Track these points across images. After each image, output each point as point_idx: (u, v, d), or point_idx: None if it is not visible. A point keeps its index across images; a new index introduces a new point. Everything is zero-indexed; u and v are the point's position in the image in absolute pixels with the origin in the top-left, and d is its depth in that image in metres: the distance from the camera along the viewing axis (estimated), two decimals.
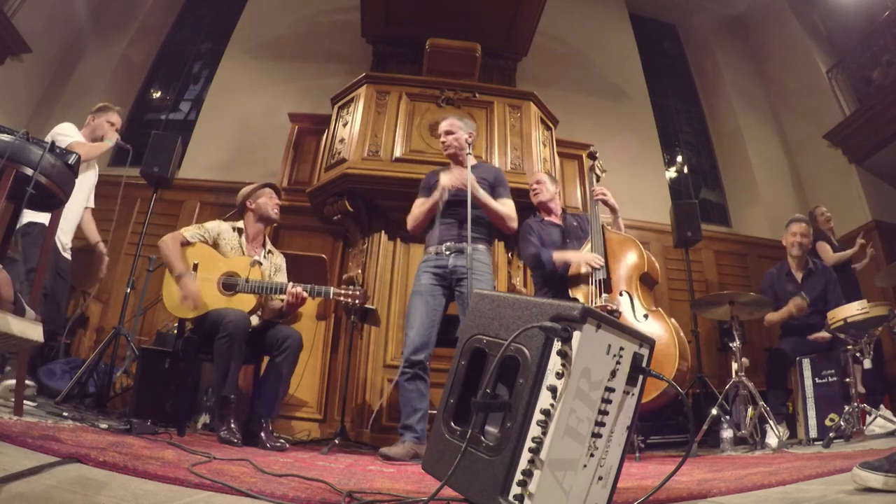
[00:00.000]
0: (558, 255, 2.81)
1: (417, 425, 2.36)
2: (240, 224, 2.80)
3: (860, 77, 5.52)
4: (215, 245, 2.67)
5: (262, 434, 2.39)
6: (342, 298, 2.57)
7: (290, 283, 2.53)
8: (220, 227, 2.72)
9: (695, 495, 1.17)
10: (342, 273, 4.01)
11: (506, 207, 2.60)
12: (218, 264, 2.59)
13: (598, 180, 3.12)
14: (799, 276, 3.55)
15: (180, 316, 2.55)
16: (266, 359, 2.64)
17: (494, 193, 2.64)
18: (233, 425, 2.33)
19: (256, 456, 1.77)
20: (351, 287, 2.65)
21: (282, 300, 2.59)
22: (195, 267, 2.54)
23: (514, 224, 2.63)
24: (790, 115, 6.21)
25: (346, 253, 4.16)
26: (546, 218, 3.11)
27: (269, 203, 2.79)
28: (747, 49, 6.73)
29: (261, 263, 2.66)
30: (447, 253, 2.53)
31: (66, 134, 2.88)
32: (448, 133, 2.68)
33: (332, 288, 2.59)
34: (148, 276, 3.84)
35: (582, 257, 2.77)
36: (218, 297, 2.51)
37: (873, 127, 5.15)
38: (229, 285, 2.54)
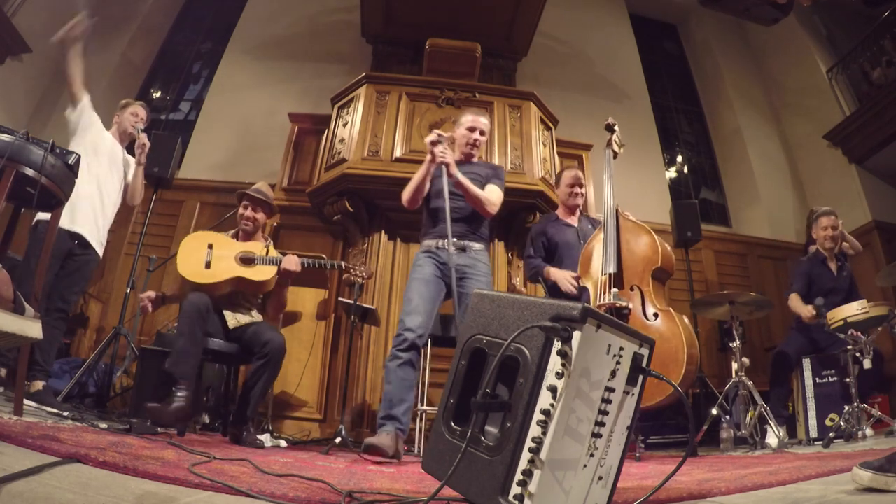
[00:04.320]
0: (551, 273, 2.87)
1: (403, 417, 2.19)
2: (233, 231, 2.87)
3: (860, 77, 5.52)
4: None
5: (244, 434, 2.45)
6: (349, 274, 2.77)
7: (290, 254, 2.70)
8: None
9: (695, 495, 1.17)
10: (342, 273, 4.00)
11: (485, 191, 2.47)
12: (233, 246, 2.67)
13: (615, 157, 2.87)
14: (833, 267, 3.52)
15: (191, 279, 2.54)
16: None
17: (488, 182, 2.56)
18: (178, 395, 2.31)
19: (256, 456, 1.77)
20: (357, 267, 2.81)
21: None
22: (210, 246, 2.61)
23: (493, 209, 2.49)
24: (790, 115, 6.21)
25: (346, 253, 4.17)
26: (562, 217, 3.09)
27: (242, 213, 2.81)
28: (747, 49, 6.73)
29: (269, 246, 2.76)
30: (448, 249, 2.37)
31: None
32: (483, 133, 2.65)
33: (343, 262, 2.79)
34: (148, 276, 3.84)
35: (562, 276, 2.80)
36: (235, 267, 2.58)
37: (873, 127, 5.15)
38: (247, 260, 2.61)
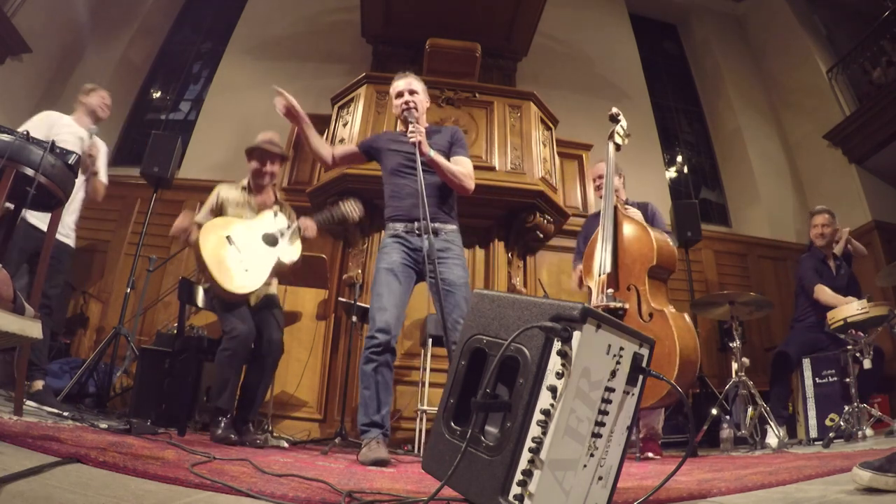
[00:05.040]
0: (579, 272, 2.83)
1: (385, 421, 2.11)
2: (244, 182, 2.80)
3: (860, 77, 5.53)
4: (222, 209, 2.68)
5: (243, 432, 2.46)
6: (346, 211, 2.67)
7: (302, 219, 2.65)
8: (222, 194, 2.73)
9: (695, 495, 1.17)
10: (342, 273, 4.01)
11: (460, 166, 2.30)
12: (251, 227, 2.58)
13: (618, 149, 2.74)
14: (833, 266, 3.54)
15: (246, 292, 2.49)
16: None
17: (451, 153, 2.35)
18: (222, 424, 2.37)
19: (256, 456, 1.77)
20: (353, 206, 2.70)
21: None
22: (229, 239, 2.49)
23: (472, 184, 2.33)
24: (790, 115, 6.21)
25: (346, 253, 4.16)
26: None
27: (259, 169, 2.75)
28: (747, 49, 6.73)
29: (281, 208, 2.75)
30: (419, 233, 2.23)
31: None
32: (412, 92, 2.38)
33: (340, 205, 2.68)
34: (148, 276, 3.85)
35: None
36: (271, 254, 2.54)
37: (873, 127, 5.15)
38: (271, 239, 2.57)
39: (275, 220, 2.65)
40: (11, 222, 1.98)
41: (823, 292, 3.33)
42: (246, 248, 2.50)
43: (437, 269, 2.05)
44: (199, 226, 2.55)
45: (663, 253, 2.46)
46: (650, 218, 2.81)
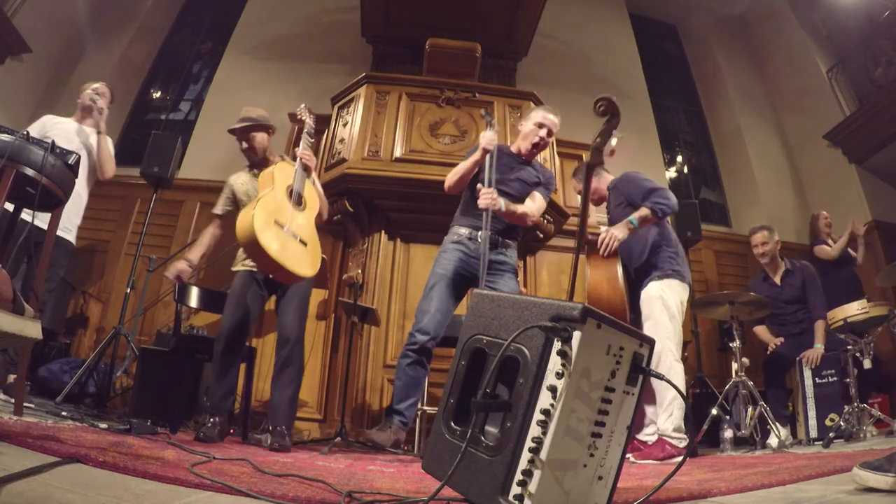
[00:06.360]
0: None
1: (407, 411, 2.26)
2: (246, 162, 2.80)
3: (860, 77, 5.52)
4: (235, 196, 2.67)
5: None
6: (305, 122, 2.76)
7: (300, 150, 2.62)
8: (231, 182, 2.73)
9: (695, 495, 1.17)
10: (342, 273, 4.01)
11: (531, 203, 2.47)
12: (281, 201, 2.41)
13: (604, 148, 2.31)
14: (777, 278, 3.58)
15: (318, 265, 2.44)
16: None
17: (534, 188, 2.55)
18: (208, 423, 2.32)
19: (256, 456, 1.77)
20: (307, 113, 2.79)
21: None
22: (278, 223, 2.33)
23: (532, 222, 2.53)
24: (790, 115, 6.21)
25: (346, 253, 4.16)
26: None
27: (242, 150, 2.74)
28: (747, 49, 6.73)
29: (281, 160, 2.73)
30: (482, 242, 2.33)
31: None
32: (550, 134, 2.60)
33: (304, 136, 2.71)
34: (148, 276, 3.84)
35: None
36: (306, 218, 2.46)
37: (873, 127, 5.15)
38: (297, 197, 2.47)
39: (289, 175, 2.52)
40: (12, 222, 1.98)
41: (756, 331, 3.64)
42: (292, 219, 2.38)
43: (494, 280, 2.27)
44: (218, 217, 2.61)
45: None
46: (623, 185, 2.75)
